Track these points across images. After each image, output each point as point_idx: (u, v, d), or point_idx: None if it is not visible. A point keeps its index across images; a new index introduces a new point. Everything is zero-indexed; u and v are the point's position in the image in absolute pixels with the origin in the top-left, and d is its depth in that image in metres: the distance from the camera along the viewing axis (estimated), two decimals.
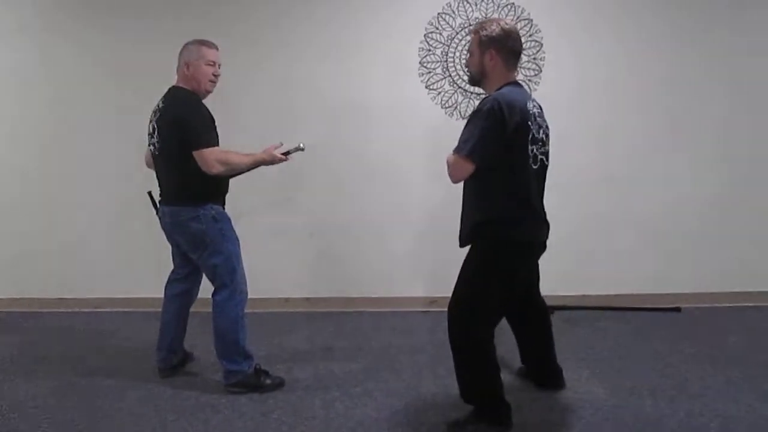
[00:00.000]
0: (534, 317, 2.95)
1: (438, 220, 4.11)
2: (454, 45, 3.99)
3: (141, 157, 4.09)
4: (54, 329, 3.91)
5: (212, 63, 2.89)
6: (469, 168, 2.36)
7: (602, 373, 3.10)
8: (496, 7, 3.94)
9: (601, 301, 4.11)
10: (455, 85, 4.02)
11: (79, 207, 4.22)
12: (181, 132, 2.77)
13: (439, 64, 4.01)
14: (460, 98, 4.02)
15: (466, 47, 3.92)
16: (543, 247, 2.63)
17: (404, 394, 2.95)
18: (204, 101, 2.92)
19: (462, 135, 2.40)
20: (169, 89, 2.92)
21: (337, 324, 3.91)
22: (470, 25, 3.95)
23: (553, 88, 3.96)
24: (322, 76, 3.96)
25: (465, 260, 2.59)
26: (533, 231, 2.54)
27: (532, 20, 3.95)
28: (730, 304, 4.09)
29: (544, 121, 2.53)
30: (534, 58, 3.99)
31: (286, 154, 2.96)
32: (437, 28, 3.98)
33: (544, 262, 3.93)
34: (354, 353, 3.47)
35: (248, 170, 2.93)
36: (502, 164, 2.38)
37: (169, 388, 3.04)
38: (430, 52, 4.01)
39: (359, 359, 3.38)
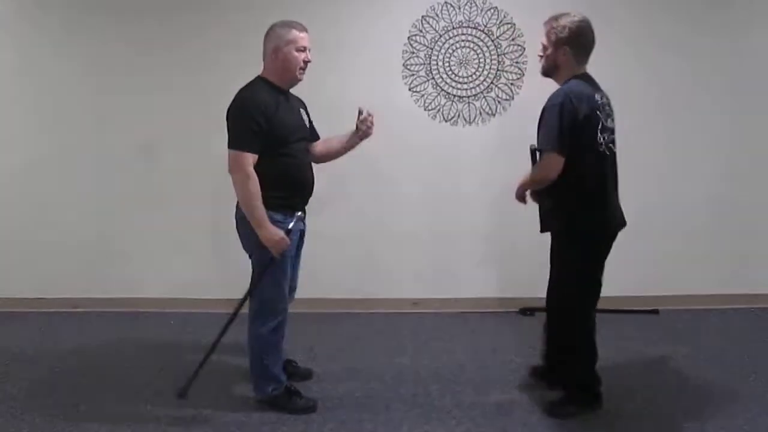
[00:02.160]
0: None
1: (422, 222, 4.15)
2: (438, 48, 4.01)
3: (122, 155, 4.08)
4: (33, 329, 3.87)
5: (303, 48, 2.66)
6: (560, 161, 2.49)
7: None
8: (479, 11, 3.97)
9: None
10: (438, 88, 4.04)
11: (61, 205, 4.18)
12: (227, 128, 2.60)
13: (422, 66, 4.03)
14: (444, 101, 4.04)
15: (450, 50, 4.01)
16: (614, 237, 2.76)
17: (386, 395, 2.96)
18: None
19: (541, 133, 2.56)
20: (253, 79, 2.70)
21: (319, 325, 3.91)
22: (453, 28, 3.98)
23: (537, 92, 3.98)
24: (304, 79, 3.94)
25: (561, 239, 2.75)
26: (606, 218, 2.67)
27: (515, 24, 3.98)
28: (707, 307, 4.14)
29: (612, 111, 2.66)
30: (517, 62, 4.02)
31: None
32: (421, 31, 4.00)
33: (526, 263, 3.99)
34: (335, 354, 3.47)
35: (246, 208, 2.58)
36: (575, 153, 2.51)
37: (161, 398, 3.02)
38: (414, 55, 4.02)
39: (340, 360, 3.38)
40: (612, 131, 2.63)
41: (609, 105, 2.64)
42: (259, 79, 2.69)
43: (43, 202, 4.18)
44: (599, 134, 2.54)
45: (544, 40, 2.63)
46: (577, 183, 2.55)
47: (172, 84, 4.03)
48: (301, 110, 2.83)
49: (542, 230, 2.77)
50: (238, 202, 2.67)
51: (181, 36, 4.01)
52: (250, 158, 2.55)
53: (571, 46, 2.56)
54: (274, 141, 2.60)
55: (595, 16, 3.86)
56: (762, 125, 4.09)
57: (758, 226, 4.19)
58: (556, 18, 2.61)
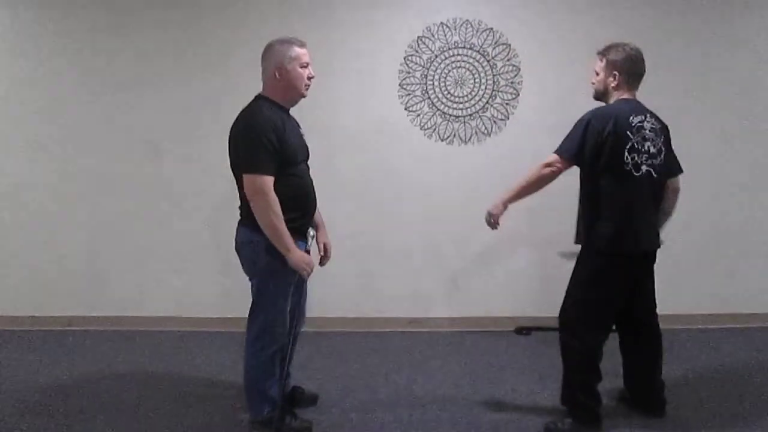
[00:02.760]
0: (645, 338, 2.95)
1: (418, 240, 4.15)
2: (434, 68, 4.04)
3: (114, 174, 4.07)
4: (25, 347, 3.84)
5: (306, 64, 2.62)
6: (560, 166, 2.69)
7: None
8: (475, 32, 4.01)
9: None
10: (434, 108, 4.07)
11: (54, 223, 4.17)
12: (236, 152, 2.54)
13: (418, 86, 4.06)
14: (439, 120, 4.07)
15: (446, 70, 4.04)
16: (648, 258, 2.87)
17: (381, 415, 2.95)
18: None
19: (565, 138, 2.74)
20: (252, 100, 2.64)
21: (313, 344, 3.89)
22: (449, 48, 4.02)
23: (532, 112, 4.03)
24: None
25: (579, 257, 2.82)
26: (632, 240, 2.67)
27: (510, 45, 4.02)
28: (697, 326, 4.14)
29: (660, 135, 2.74)
30: (512, 83, 4.06)
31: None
32: (417, 51, 4.03)
33: (521, 281, 3.99)
34: (330, 373, 3.45)
35: (269, 233, 2.52)
36: (598, 170, 2.65)
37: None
38: (410, 75, 4.06)
39: (336, 380, 3.36)
40: (652, 155, 2.68)
41: (654, 129, 2.71)
42: (262, 99, 2.63)
43: (36, 219, 4.16)
44: (627, 154, 2.61)
45: (596, 66, 2.79)
46: (598, 198, 2.68)
47: (171, 99, 4.04)
48: (300, 130, 2.82)
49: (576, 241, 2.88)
50: (240, 225, 2.66)
51: (170, 54, 4.04)
52: (270, 181, 2.48)
53: (620, 72, 2.70)
54: (285, 162, 2.56)
55: (580, 35, 3.99)
56: (748, 145, 4.13)
57: (747, 246, 4.21)
58: (609, 48, 2.76)
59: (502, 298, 4.15)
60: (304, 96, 2.68)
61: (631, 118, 2.64)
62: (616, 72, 2.70)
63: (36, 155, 4.12)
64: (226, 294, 3.96)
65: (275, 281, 2.63)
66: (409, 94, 4.07)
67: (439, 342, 3.93)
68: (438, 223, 4.14)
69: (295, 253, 2.54)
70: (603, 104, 2.77)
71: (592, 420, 2.75)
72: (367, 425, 2.84)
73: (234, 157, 2.58)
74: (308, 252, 2.72)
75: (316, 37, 3.99)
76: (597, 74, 2.79)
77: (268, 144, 2.48)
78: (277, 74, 2.58)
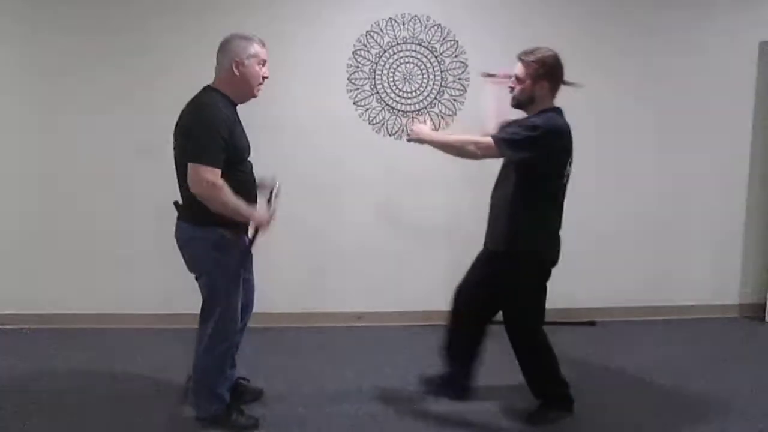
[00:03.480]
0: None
1: (366, 235, 4.15)
2: (382, 62, 4.04)
3: (53, 167, 3.93)
4: None
5: (264, 63, 2.61)
6: (495, 155, 2.61)
7: (519, 386, 3.15)
8: (423, 27, 4.03)
9: None
10: (383, 102, 4.07)
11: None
12: (186, 141, 2.46)
13: (367, 81, 4.05)
14: (388, 115, 4.07)
15: (395, 65, 4.05)
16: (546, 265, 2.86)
17: (328, 409, 2.94)
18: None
19: (507, 130, 2.62)
20: (201, 90, 2.58)
21: (261, 339, 3.85)
22: (398, 43, 4.02)
23: (479, 108, 4.06)
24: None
25: (501, 272, 2.76)
26: (553, 246, 2.82)
27: (458, 41, 4.05)
28: (642, 318, 4.30)
29: None
30: (459, 79, 4.09)
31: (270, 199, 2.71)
32: (365, 46, 4.03)
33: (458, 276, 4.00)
34: (278, 368, 3.42)
35: (231, 215, 2.50)
36: (541, 180, 2.66)
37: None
38: (359, 69, 4.05)
39: (283, 375, 3.34)
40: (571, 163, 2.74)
41: None
42: (213, 91, 2.57)
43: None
44: (568, 167, 2.68)
45: (519, 72, 2.64)
46: (536, 205, 2.69)
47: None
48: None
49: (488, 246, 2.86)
50: (180, 220, 2.60)
51: (133, 49, 3.92)
52: (218, 172, 2.43)
53: (549, 80, 2.63)
54: (233, 157, 2.52)
55: (527, 32, 4.05)
56: (687, 145, 4.29)
57: (686, 242, 4.39)
58: (532, 52, 2.65)
59: (451, 292, 4.18)
60: (254, 96, 2.65)
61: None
62: (545, 81, 2.62)
63: None
64: (167, 290, 3.88)
65: (226, 277, 2.61)
66: (358, 89, 4.06)
67: (389, 336, 3.95)
68: (385, 218, 4.15)
69: (256, 214, 2.58)
70: (529, 114, 2.70)
71: (567, 402, 2.87)
72: (315, 419, 2.83)
73: (182, 146, 2.50)
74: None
75: (267, 32, 3.93)
76: (520, 80, 2.64)
77: (219, 138, 2.43)
78: (234, 68, 2.54)
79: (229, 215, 2.49)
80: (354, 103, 4.06)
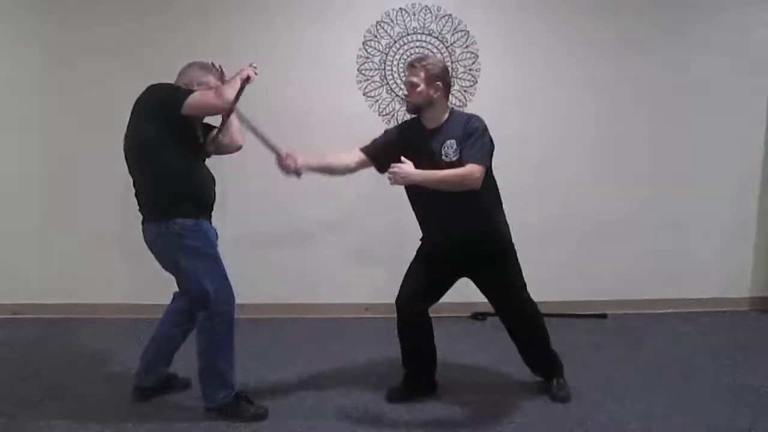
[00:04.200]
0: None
1: (375, 228, 4.14)
2: (392, 53, 4.03)
3: (66, 161, 3.95)
4: None
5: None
6: (483, 174, 2.67)
7: (530, 378, 3.17)
8: (434, 18, 4.00)
9: None
10: (393, 93, 4.05)
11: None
12: (153, 109, 2.54)
13: (377, 72, 4.04)
14: (398, 106, 4.06)
15: (405, 56, 4.02)
16: None
17: (336, 401, 2.94)
18: None
19: (476, 148, 2.67)
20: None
21: (270, 331, 3.86)
22: (408, 34, 4.00)
23: (490, 99, 4.05)
24: (260, 84, 3.91)
25: (496, 262, 2.87)
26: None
27: (468, 32, 4.03)
28: (652, 311, 4.28)
29: None
30: (470, 69, 4.07)
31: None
32: (375, 37, 4.01)
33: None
34: (287, 361, 3.43)
35: (238, 96, 2.57)
36: (490, 174, 2.78)
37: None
38: (369, 60, 4.03)
39: (292, 367, 3.34)
40: None
41: None
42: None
43: None
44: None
45: (413, 78, 2.72)
46: (493, 196, 2.86)
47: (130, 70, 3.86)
48: None
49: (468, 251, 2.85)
50: (145, 223, 2.66)
51: (139, 45, 3.92)
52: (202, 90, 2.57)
53: (442, 82, 2.73)
54: (191, 150, 2.64)
55: (537, 23, 4.03)
56: (698, 137, 4.26)
57: (697, 234, 4.36)
58: (423, 58, 2.80)
59: (458, 283, 4.17)
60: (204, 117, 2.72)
61: None
62: (438, 82, 2.71)
63: None
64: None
65: (201, 259, 2.63)
66: (368, 80, 4.04)
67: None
68: (395, 210, 4.12)
69: (237, 78, 2.57)
70: (432, 119, 2.77)
71: (561, 367, 3.03)
72: (324, 413, 2.83)
73: (147, 125, 2.55)
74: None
75: (278, 23, 3.95)
76: (415, 86, 2.72)
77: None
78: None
79: (234, 88, 2.53)
80: (364, 95, 4.05)
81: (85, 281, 4.08)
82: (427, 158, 2.70)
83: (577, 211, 4.23)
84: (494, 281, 2.91)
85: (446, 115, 2.78)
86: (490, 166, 2.75)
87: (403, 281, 2.93)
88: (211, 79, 2.69)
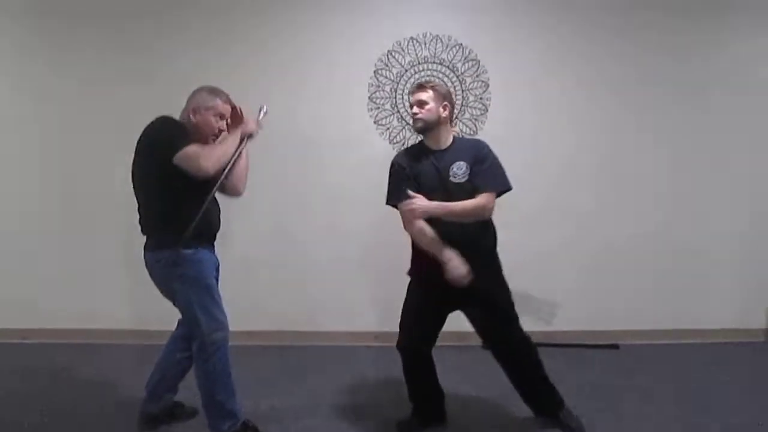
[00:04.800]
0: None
1: (387, 255, 4.12)
2: (403, 82, 4.06)
3: (72, 185, 3.96)
4: None
5: (222, 117, 2.73)
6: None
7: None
8: (444, 47, 4.04)
9: (541, 338, 4.14)
10: (404, 122, 4.08)
11: (11, 235, 4.05)
12: (152, 148, 2.56)
13: (388, 100, 4.07)
14: (408, 135, 4.08)
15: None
16: None
17: (346, 429, 2.90)
18: None
19: (492, 176, 2.75)
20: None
21: (278, 358, 3.83)
22: (419, 63, 4.04)
23: (500, 128, 4.07)
24: (271, 110, 3.97)
25: (488, 279, 2.80)
26: None
27: (479, 61, 4.06)
28: (665, 341, 4.21)
29: None
30: (481, 98, 4.09)
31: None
32: (387, 65, 4.05)
33: None
34: (295, 388, 3.40)
35: (237, 152, 2.65)
36: None
37: None
38: (380, 89, 4.06)
39: (300, 394, 3.31)
40: None
41: None
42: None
43: None
44: None
45: (423, 96, 2.74)
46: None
47: (145, 102, 3.93)
48: None
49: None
50: (145, 251, 2.67)
51: (148, 66, 3.98)
52: (194, 146, 2.54)
53: (449, 103, 2.78)
54: (196, 184, 2.58)
55: (549, 52, 4.06)
56: (712, 165, 4.24)
57: (711, 264, 4.31)
58: (428, 82, 2.82)
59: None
60: (210, 141, 2.72)
61: None
62: (446, 103, 2.76)
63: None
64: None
65: (194, 289, 2.63)
66: (378, 108, 4.07)
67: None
68: (404, 237, 4.12)
69: (245, 125, 2.73)
70: (437, 139, 2.78)
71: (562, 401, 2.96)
72: None
73: (147, 161, 2.60)
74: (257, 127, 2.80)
75: (289, 51, 4.00)
76: (425, 104, 2.73)
77: (186, 134, 2.58)
78: (191, 114, 2.69)
79: (234, 148, 2.63)
80: (375, 122, 4.08)
81: (93, 307, 4.08)
82: (434, 180, 2.72)
83: (588, 238, 4.20)
84: (487, 304, 2.82)
85: (452, 138, 2.82)
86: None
87: (402, 323, 2.87)
88: (219, 104, 2.70)
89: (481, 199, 2.69)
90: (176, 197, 2.59)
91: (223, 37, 3.97)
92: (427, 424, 2.93)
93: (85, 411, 3.06)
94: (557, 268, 4.20)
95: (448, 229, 2.69)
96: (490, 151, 2.78)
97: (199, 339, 2.64)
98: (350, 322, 4.16)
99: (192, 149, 2.51)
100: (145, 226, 2.69)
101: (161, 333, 3.74)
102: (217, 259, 2.78)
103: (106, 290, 4.08)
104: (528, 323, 4.11)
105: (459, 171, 2.72)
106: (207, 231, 2.71)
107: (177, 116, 2.70)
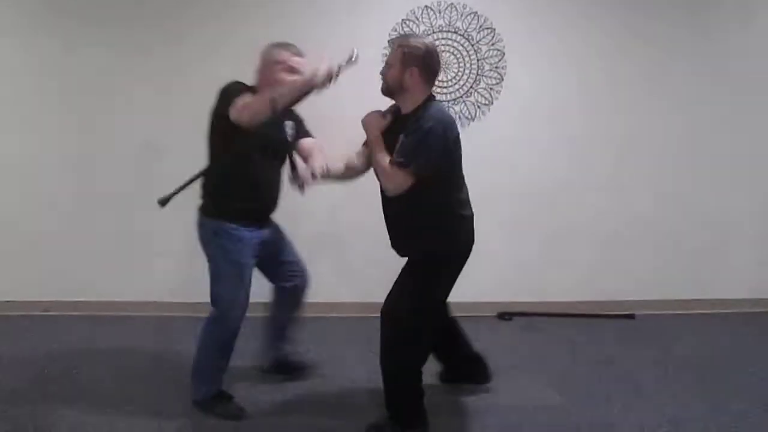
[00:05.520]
0: None
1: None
2: None
3: (97, 158, 3.98)
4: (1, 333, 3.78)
5: (291, 69, 2.63)
6: (409, 181, 2.40)
7: (558, 379, 3.15)
8: (459, 15, 3.97)
9: (558, 308, 4.17)
10: None
11: (35, 205, 4.08)
12: (212, 112, 2.57)
13: None
14: None
15: None
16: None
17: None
18: None
19: (408, 150, 2.39)
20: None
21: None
22: (434, 32, 3.98)
23: (516, 97, 4.02)
24: None
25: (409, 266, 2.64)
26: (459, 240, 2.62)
27: (494, 29, 3.99)
28: (681, 311, 4.21)
29: None
30: (496, 67, 4.03)
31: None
32: (401, 35, 3.99)
33: (504, 267, 4.00)
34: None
35: (293, 99, 2.43)
36: (444, 179, 2.50)
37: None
38: None
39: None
40: None
41: None
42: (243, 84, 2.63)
43: (15, 201, 4.06)
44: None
45: (389, 57, 2.53)
46: (443, 207, 2.53)
47: (159, 84, 3.96)
48: (285, 127, 2.78)
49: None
50: (197, 210, 2.70)
51: (163, 45, 3.95)
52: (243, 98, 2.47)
53: (420, 67, 2.45)
54: (244, 147, 2.58)
55: (564, 19, 3.99)
56: (730, 135, 4.18)
57: (727, 234, 4.28)
58: (405, 38, 2.57)
59: (485, 283, 4.15)
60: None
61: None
62: (415, 69, 2.44)
63: (17, 136, 4.01)
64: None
65: (225, 263, 2.67)
66: None
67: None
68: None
69: (302, 77, 2.45)
70: (405, 105, 2.53)
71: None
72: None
73: (211, 127, 2.63)
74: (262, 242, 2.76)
75: (302, 22, 3.95)
76: (390, 67, 2.50)
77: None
78: (261, 72, 2.67)
79: (283, 99, 2.39)
80: None
81: (115, 279, 4.12)
82: (388, 142, 2.49)
83: (606, 209, 4.17)
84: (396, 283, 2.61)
85: (418, 104, 2.49)
86: (431, 174, 2.41)
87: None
88: (285, 56, 2.63)
89: (388, 167, 2.41)
90: (225, 170, 2.62)
91: (234, 10, 3.92)
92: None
93: (107, 380, 3.12)
94: (576, 240, 4.18)
95: (390, 206, 2.57)
96: (428, 125, 2.38)
97: (214, 308, 2.71)
98: (363, 293, 4.17)
99: (240, 100, 2.43)
100: (202, 187, 2.71)
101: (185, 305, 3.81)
102: (259, 238, 2.75)
103: (130, 262, 4.12)
104: (547, 293, 4.19)
105: (400, 147, 2.43)
106: (251, 208, 2.70)
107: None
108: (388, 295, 2.62)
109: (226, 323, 2.70)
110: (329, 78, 2.38)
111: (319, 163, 2.53)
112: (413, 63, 2.44)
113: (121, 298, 4.12)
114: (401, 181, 2.40)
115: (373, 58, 3.99)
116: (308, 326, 3.59)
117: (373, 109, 2.62)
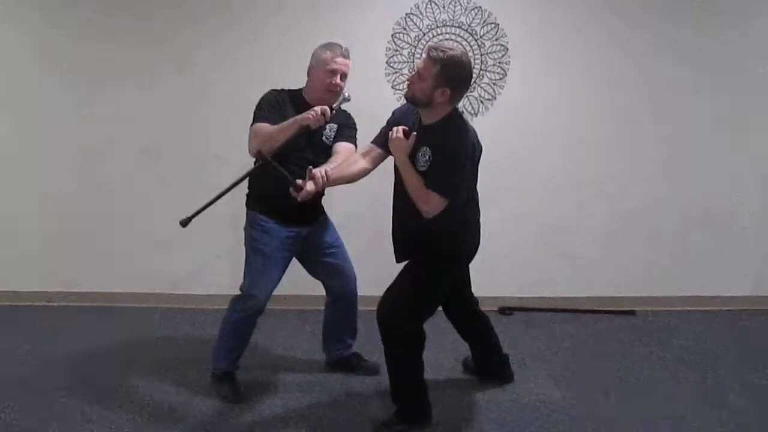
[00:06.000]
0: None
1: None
2: (421, 46, 4.00)
3: (101, 148, 3.98)
4: (5, 323, 3.80)
5: (333, 72, 2.71)
6: (444, 203, 2.41)
7: (558, 374, 3.17)
8: (463, 10, 3.97)
9: (559, 304, 4.19)
10: None
11: (37, 199, 4.09)
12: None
13: (405, 64, 4.02)
14: None
15: None
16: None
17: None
18: None
19: (443, 178, 2.39)
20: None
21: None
22: (437, 26, 3.98)
23: (519, 92, 4.02)
24: (290, 78, 3.91)
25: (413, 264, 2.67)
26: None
27: (498, 24, 3.99)
28: (682, 308, 4.21)
29: None
30: (499, 62, 4.03)
31: (331, 109, 2.62)
32: (405, 29, 3.99)
33: (505, 262, 4.01)
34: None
35: (288, 138, 2.57)
36: (465, 187, 2.54)
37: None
38: (397, 53, 4.01)
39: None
40: None
41: None
42: (296, 90, 2.88)
43: (19, 196, 4.08)
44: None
45: (423, 70, 2.36)
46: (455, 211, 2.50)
47: (159, 82, 3.94)
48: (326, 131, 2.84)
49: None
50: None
51: (167, 33, 3.95)
52: (257, 124, 2.70)
53: (452, 89, 2.36)
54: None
55: (568, 15, 3.98)
56: (734, 132, 4.17)
57: (729, 231, 4.27)
58: (447, 51, 2.34)
59: (485, 278, 4.15)
60: (327, 102, 2.70)
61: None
62: (447, 89, 2.34)
63: (18, 135, 4.02)
64: (210, 271, 3.97)
65: (254, 252, 2.83)
66: (396, 72, 4.03)
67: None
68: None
69: (301, 117, 2.57)
70: (428, 118, 2.47)
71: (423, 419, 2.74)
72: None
73: None
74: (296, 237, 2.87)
75: (305, 16, 3.94)
76: (422, 78, 2.36)
77: (270, 106, 2.76)
78: (309, 73, 2.82)
79: (284, 133, 2.59)
80: (392, 87, 4.04)
81: (118, 270, 4.13)
82: (411, 155, 2.48)
83: (607, 205, 4.18)
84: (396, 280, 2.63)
85: (441, 118, 2.45)
86: (457, 196, 2.44)
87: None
88: (328, 57, 2.73)
89: (425, 192, 2.40)
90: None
91: (238, 6, 3.92)
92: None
93: (108, 371, 3.14)
94: (576, 235, 4.19)
95: (401, 205, 2.58)
96: (458, 149, 2.38)
97: (240, 293, 2.84)
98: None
99: (255, 126, 2.69)
100: (249, 179, 2.78)
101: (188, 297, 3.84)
102: (293, 235, 2.85)
103: (133, 253, 4.13)
104: (548, 289, 4.20)
105: (422, 158, 2.43)
106: (277, 204, 2.74)
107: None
108: (387, 291, 2.65)
109: (243, 306, 2.81)
110: (323, 117, 2.57)
111: (319, 169, 2.50)
112: (448, 84, 2.34)
113: (124, 289, 4.14)
114: (437, 202, 2.40)
115: (376, 52, 4.00)
116: (310, 319, 3.61)
117: (398, 126, 2.53)
